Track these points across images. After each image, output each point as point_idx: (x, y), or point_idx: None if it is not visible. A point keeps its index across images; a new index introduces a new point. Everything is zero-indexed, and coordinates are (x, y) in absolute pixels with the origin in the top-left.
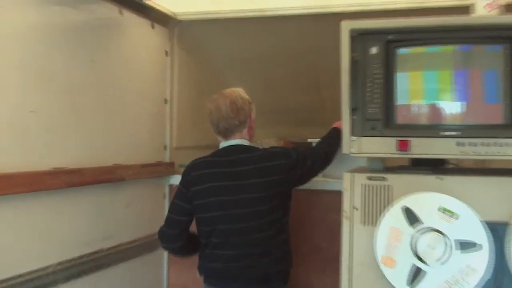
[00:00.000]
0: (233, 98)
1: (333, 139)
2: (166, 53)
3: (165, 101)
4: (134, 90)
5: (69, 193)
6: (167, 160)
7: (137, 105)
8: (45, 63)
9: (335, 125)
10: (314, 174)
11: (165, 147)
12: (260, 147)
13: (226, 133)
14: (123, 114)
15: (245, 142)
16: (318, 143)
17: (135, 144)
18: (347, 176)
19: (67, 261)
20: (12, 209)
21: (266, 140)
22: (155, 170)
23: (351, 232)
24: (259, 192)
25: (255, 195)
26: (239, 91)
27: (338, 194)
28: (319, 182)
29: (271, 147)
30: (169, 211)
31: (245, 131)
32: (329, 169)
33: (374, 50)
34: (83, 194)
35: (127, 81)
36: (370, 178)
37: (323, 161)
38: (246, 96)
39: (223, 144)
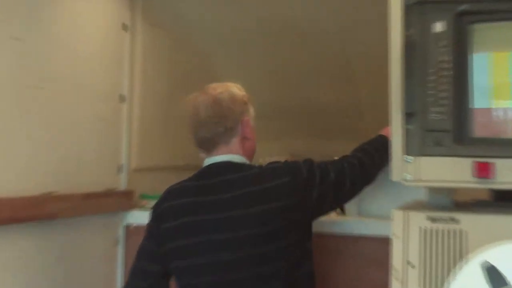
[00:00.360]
0: (217, 95)
1: (374, 146)
2: (125, 27)
3: (122, 98)
4: (75, 82)
5: None
6: (122, 187)
7: (79, 105)
8: None
9: (383, 131)
10: (344, 195)
11: (119, 168)
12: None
13: (208, 146)
14: (58, 118)
15: (235, 157)
16: (352, 151)
17: (75, 163)
18: (398, 215)
19: None
20: None
21: (272, 159)
22: (103, 203)
23: None
24: (255, 228)
25: (249, 232)
26: (230, 86)
27: (383, 242)
28: (352, 222)
29: (270, 163)
30: (135, 256)
31: (234, 141)
32: (369, 205)
33: (439, 26)
34: None
35: (65, 69)
36: (433, 219)
37: (357, 175)
38: (241, 93)
39: (206, 161)
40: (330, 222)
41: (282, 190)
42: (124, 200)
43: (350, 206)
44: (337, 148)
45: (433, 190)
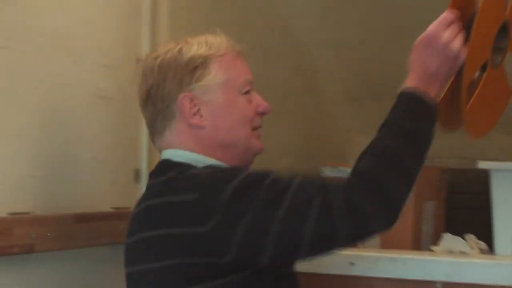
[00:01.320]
0: (152, 61)
1: (383, 140)
2: None
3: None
4: (67, 44)
5: None
6: None
7: (70, 76)
8: None
9: (409, 81)
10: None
11: (136, 176)
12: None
13: (153, 136)
14: (34, 96)
15: (176, 153)
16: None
17: (61, 167)
18: None
19: None
20: None
21: None
22: (110, 229)
23: None
24: (146, 261)
25: (141, 267)
26: (193, 41)
27: None
28: (504, 267)
29: (206, 167)
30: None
31: (173, 129)
32: None
33: None
34: None
35: (48, 21)
36: None
37: (316, 205)
38: (199, 51)
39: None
40: (457, 264)
41: (182, 212)
42: None
43: (500, 238)
44: (494, 147)
45: None
